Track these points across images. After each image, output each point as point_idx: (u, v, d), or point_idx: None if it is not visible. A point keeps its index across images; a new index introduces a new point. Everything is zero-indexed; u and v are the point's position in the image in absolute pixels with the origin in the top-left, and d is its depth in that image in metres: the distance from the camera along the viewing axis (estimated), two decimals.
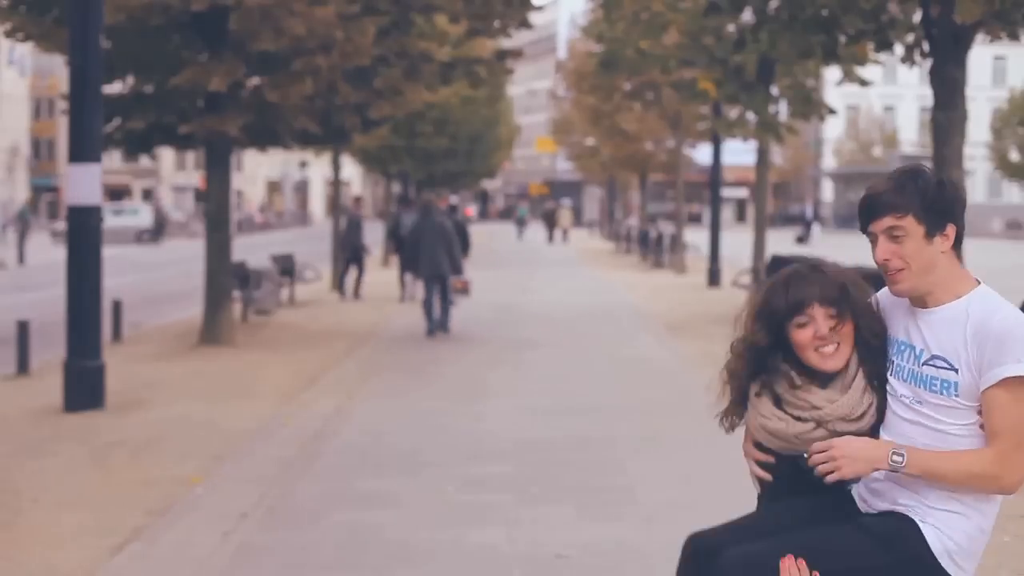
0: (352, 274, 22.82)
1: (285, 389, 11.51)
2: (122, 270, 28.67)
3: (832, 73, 22.88)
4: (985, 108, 62.65)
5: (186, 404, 10.50)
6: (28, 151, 74.80)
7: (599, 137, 43.88)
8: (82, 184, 10.27)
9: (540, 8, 22.30)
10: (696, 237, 37.90)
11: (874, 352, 3.03)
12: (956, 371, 2.82)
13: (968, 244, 10.39)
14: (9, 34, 14.61)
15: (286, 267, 21.35)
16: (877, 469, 2.84)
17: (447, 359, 13.91)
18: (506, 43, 20.36)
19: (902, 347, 2.98)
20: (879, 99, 69.99)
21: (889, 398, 3.00)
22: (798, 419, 3.00)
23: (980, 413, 2.82)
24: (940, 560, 2.84)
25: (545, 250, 46.24)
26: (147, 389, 11.25)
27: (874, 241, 2.93)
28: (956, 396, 2.83)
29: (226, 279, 15.27)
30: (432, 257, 16.30)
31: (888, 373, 3.01)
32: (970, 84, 12.16)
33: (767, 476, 3.09)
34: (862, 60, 16.31)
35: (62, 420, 9.76)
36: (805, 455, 2.94)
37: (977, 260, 14.17)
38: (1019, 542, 6.27)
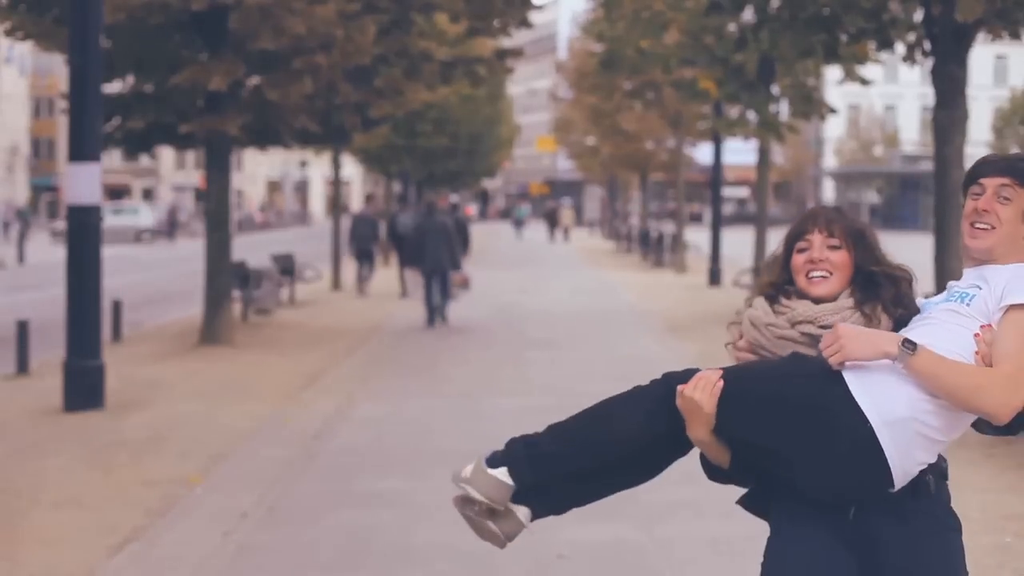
0: (362, 272, 23.69)
1: (285, 389, 11.50)
2: (122, 270, 28.66)
3: (833, 72, 22.88)
4: (986, 107, 62.67)
5: (186, 404, 10.49)
6: (28, 150, 74.82)
7: (599, 136, 43.88)
8: (82, 183, 10.26)
9: (540, 7, 22.31)
10: (696, 236, 37.91)
11: (876, 295, 3.04)
12: (979, 288, 2.88)
13: None
14: (9, 33, 14.60)
15: (286, 266, 21.35)
16: (885, 355, 2.80)
17: (447, 358, 13.90)
18: (506, 42, 20.33)
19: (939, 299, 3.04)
20: (880, 98, 69.96)
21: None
22: (776, 315, 3.04)
23: (981, 330, 2.85)
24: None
25: (546, 249, 46.24)
26: (147, 389, 11.24)
27: (978, 194, 2.98)
28: (968, 304, 2.88)
29: (226, 279, 15.26)
30: (434, 253, 17.40)
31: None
32: (971, 83, 12.14)
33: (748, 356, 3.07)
34: (863, 59, 16.29)
35: (62, 420, 9.75)
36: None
37: None
38: (1020, 542, 6.26)
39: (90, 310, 10.38)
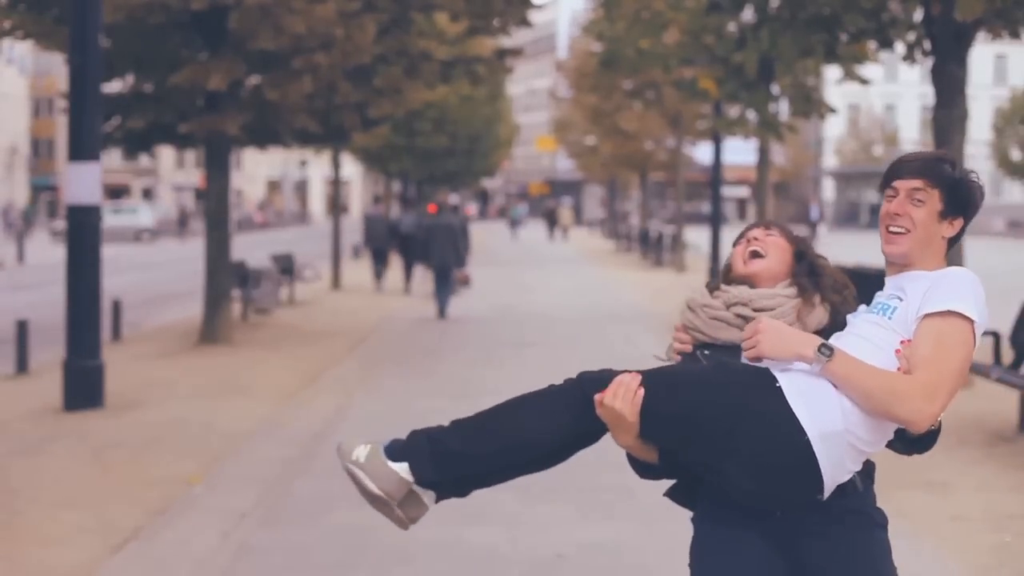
0: (380, 269, 24.97)
1: (285, 388, 11.50)
2: (122, 269, 28.66)
3: (833, 72, 22.86)
4: (986, 107, 62.68)
5: (185, 403, 10.48)
6: (27, 150, 74.81)
7: (599, 136, 43.89)
8: (81, 183, 10.25)
9: (540, 7, 22.29)
10: (696, 236, 37.89)
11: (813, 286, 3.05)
12: (901, 300, 2.87)
13: (969, 243, 10.37)
14: (8, 32, 14.58)
15: (286, 266, 21.35)
16: (800, 358, 2.77)
17: (447, 358, 13.90)
18: (506, 42, 20.34)
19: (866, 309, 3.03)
20: (880, 98, 69.99)
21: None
22: (714, 298, 3.07)
23: (901, 345, 2.83)
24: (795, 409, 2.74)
25: (545, 248, 46.24)
26: (146, 388, 11.23)
27: (891, 197, 2.97)
28: (889, 317, 2.87)
29: (225, 278, 15.25)
30: (441, 251, 18.79)
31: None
32: (971, 83, 12.13)
33: (686, 347, 3.09)
34: (863, 59, 16.28)
35: (61, 420, 9.74)
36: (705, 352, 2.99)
37: (979, 259, 14.10)
38: (1020, 541, 6.26)
39: (90, 310, 10.38)
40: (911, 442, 2.92)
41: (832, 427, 2.73)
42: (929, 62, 12.07)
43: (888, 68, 57.60)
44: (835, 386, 2.75)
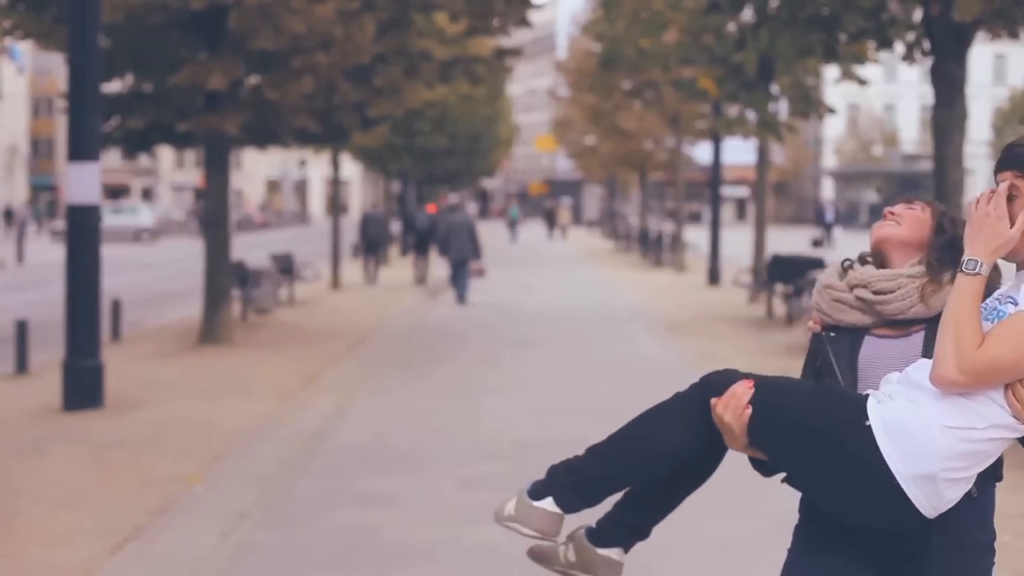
0: (371, 263, 26.78)
1: (284, 388, 11.50)
2: (121, 269, 28.66)
3: (832, 72, 22.87)
4: (986, 106, 62.64)
5: (185, 403, 10.48)
6: (27, 150, 74.77)
7: (599, 136, 43.88)
8: (81, 183, 10.25)
9: (540, 7, 22.31)
10: (696, 236, 37.88)
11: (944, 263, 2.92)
12: (1016, 304, 2.69)
13: None
14: (8, 32, 14.58)
15: (285, 266, 21.35)
16: (967, 250, 2.67)
17: (446, 358, 13.90)
18: (506, 42, 20.35)
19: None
20: (879, 98, 69.97)
21: None
22: (841, 279, 2.99)
23: None
24: (881, 447, 2.68)
25: (544, 248, 46.23)
26: (146, 388, 11.23)
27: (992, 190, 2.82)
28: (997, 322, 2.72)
29: (225, 278, 15.25)
30: (459, 245, 21.07)
31: None
32: (971, 82, 12.13)
33: (816, 326, 3.00)
34: (862, 59, 16.29)
35: (61, 419, 9.74)
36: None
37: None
38: (1020, 541, 6.26)
39: (89, 309, 10.38)
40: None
41: (926, 468, 2.65)
42: (928, 62, 12.07)
43: (887, 68, 57.57)
44: (933, 427, 2.65)
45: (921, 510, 2.67)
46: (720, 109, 23.98)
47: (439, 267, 28.06)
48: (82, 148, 10.28)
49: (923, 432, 2.65)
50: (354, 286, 25.29)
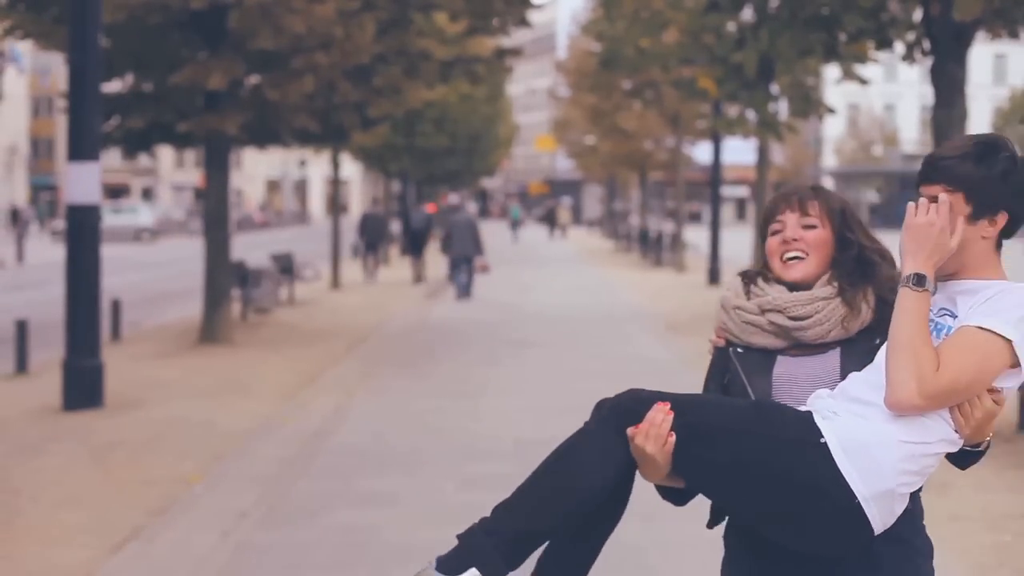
0: (370, 261, 27.47)
1: (284, 388, 11.50)
2: (121, 269, 28.66)
3: (832, 72, 22.87)
4: (986, 106, 62.72)
5: (185, 403, 10.48)
6: (27, 150, 74.76)
7: (599, 136, 43.88)
8: (81, 183, 10.25)
9: (540, 7, 22.32)
10: (696, 236, 37.87)
11: (860, 279, 2.76)
12: (955, 317, 2.61)
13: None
14: (8, 32, 14.59)
15: (285, 266, 21.36)
16: (906, 263, 2.58)
17: (446, 358, 13.90)
18: (506, 41, 20.35)
19: None
20: (879, 97, 70.00)
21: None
22: (750, 297, 2.77)
23: None
24: (832, 451, 2.52)
25: (545, 247, 46.25)
26: (146, 388, 11.23)
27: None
28: (943, 339, 2.60)
29: (225, 278, 15.25)
30: (461, 243, 21.90)
31: None
32: (971, 82, 12.13)
33: (720, 341, 2.83)
34: (862, 58, 16.28)
35: (61, 419, 9.74)
36: (740, 348, 2.75)
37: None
38: (1020, 541, 6.26)
39: (89, 309, 10.37)
40: (959, 457, 2.70)
41: (884, 484, 2.54)
42: (928, 62, 12.07)
43: (888, 68, 57.60)
44: (889, 438, 2.53)
45: (875, 528, 2.55)
46: (720, 109, 23.99)
47: (439, 267, 28.44)
48: (82, 148, 10.29)
49: (881, 448, 2.53)
50: (354, 286, 25.29)
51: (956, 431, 2.57)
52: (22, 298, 21.64)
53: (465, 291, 21.82)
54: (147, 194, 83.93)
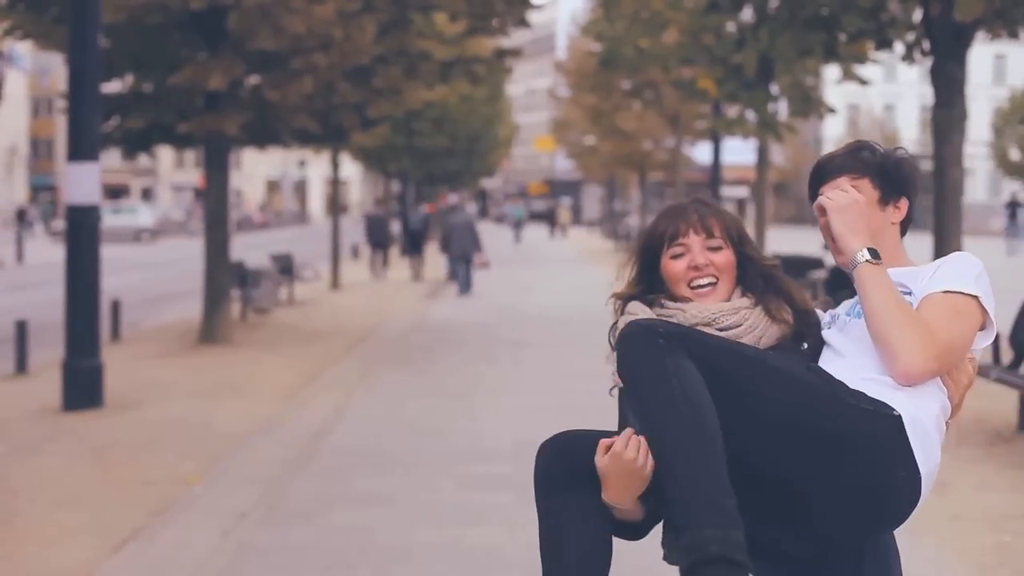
0: (378, 261, 28.67)
1: (284, 388, 11.49)
2: (121, 269, 28.66)
3: (832, 72, 22.88)
4: (986, 107, 62.70)
5: (185, 403, 10.48)
6: (27, 150, 74.75)
7: (598, 136, 43.89)
8: (81, 183, 10.25)
9: (539, 7, 22.33)
10: None
11: (768, 290, 2.70)
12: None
13: (968, 242, 10.41)
14: (8, 32, 14.58)
15: (285, 266, 21.35)
16: (845, 251, 2.57)
17: (446, 358, 13.90)
18: (505, 42, 20.35)
19: (846, 310, 2.72)
20: (879, 98, 70.00)
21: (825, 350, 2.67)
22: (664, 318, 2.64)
23: None
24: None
25: (545, 247, 46.25)
26: (146, 388, 11.23)
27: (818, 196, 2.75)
28: None
29: (225, 278, 15.25)
30: (462, 242, 23.07)
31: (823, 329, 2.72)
32: (970, 82, 12.14)
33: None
34: (862, 59, 16.29)
35: (61, 419, 9.74)
36: None
37: (990, 260, 14.12)
38: (1020, 541, 6.26)
39: (89, 310, 10.37)
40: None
41: (934, 460, 2.50)
42: (928, 62, 12.07)
43: (887, 68, 57.59)
44: (941, 415, 2.52)
45: (918, 506, 2.49)
46: (720, 109, 23.98)
47: (438, 266, 28.62)
48: (82, 148, 10.28)
49: (930, 422, 2.51)
50: (354, 286, 25.30)
51: (949, 398, 2.59)
52: (22, 298, 21.64)
53: (466, 287, 22.80)
54: (147, 194, 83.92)
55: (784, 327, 2.68)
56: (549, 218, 61.72)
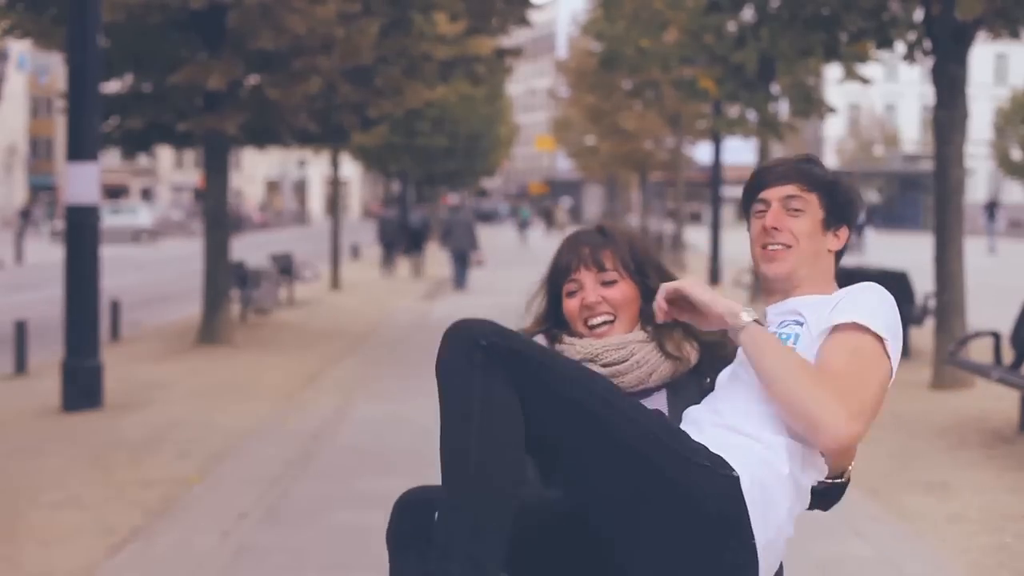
0: (389, 259, 30.50)
1: (284, 389, 11.48)
2: (120, 270, 28.64)
3: (833, 71, 22.87)
4: (987, 106, 62.67)
5: (185, 404, 10.47)
6: (26, 150, 74.75)
7: (599, 136, 43.88)
8: (80, 183, 10.24)
9: (539, 7, 22.34)
10: (696, 236, 37.81)
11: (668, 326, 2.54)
12: (801, 324, 2.40)
13: (968, 243, 10.40)
14: (7, 32, 14.58)
15: (285, 266, 21.34)
16: (724, 315, 2.34)
17: None
18: (505, 42, 20.35)
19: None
20: (880, 97, 69.98)
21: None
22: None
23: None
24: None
25: (545, 246, 46.20)
26: (146, 389, 11.22)
27: (761, 212, 2.53)
28: (793, 346, 2.38)
29: (224, 278, 15.24)
30: (459, 240, 24.53)
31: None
32: (972, 82, 12.12)
33: None
34: (863, 58, 16.27)
35: (60, 420, 9.73)
36: None
37: (977, 260, 14.14)
38: (1020, 542, 6.24)
39: (88, 310, 10.36)
40: (818, 495, 2.41)
41: (779, 531, 2.27)
42: (929, 62, 12.06)
43: (888, 68, 57.58)
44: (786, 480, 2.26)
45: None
46: (720, 109, 23.98)
47: (438, 265, 29.00)
48: (81, 148, 10.27)
49: (778, 488, 2.27)
50: (354, 286, 25.30)
51: (823, 456, 2.35)
52: (21, 298, 21.62)
53: (461, 282, 24.38)
54: (146, 194, 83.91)
55: (678, 364, 2.52)
56: (547, 216, 64.07)
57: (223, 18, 14.20)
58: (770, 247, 2.49)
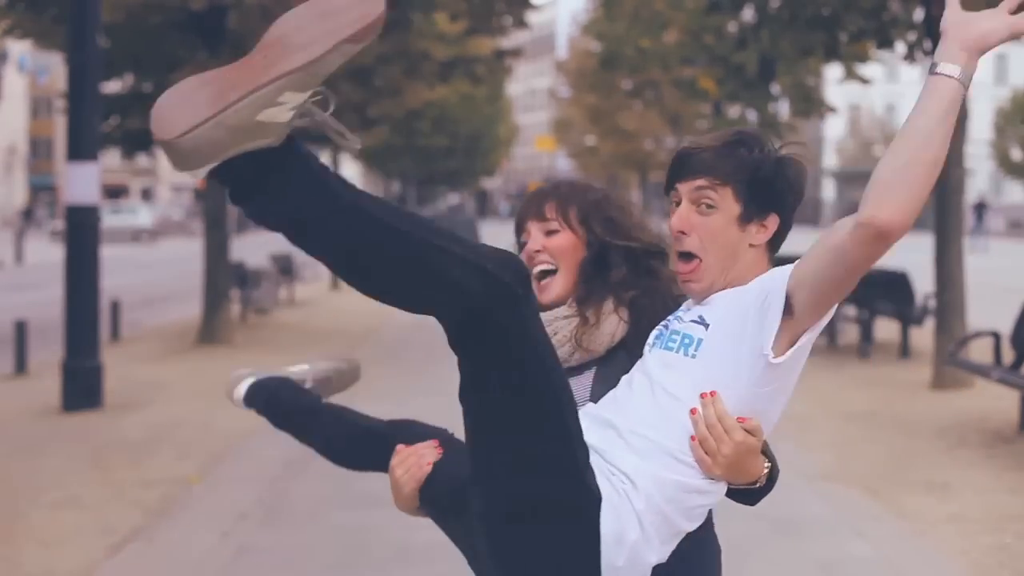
0: None
1: None
2: (120, 270, 28.65)
3: (833, 71, 22.87)
4: (987, 107, 62.69)
5: (184, 404, 10.47)
6: (26, 150, 74.78)
7: (599, 136, 43.92)
8: (80, 183, 10.24)
9: (539, 7, 22.35)
10: None
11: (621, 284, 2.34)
12: (707, 326, 2.11)
13: (968, 242, 10.28)
14: (7, 32, 14.58)
15: (285, 266, 21.35)
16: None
17: (447, 358, 13.83)
18: (505, 42, 20.36)
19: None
20: (881, 97, 69.98)
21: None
22: None
23: (703, 398, 2.06)
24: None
25: None
26: (145, 389, 11.22)
27: (675, 205, 2.22)
28: (692, 356, 2.11)
29: (224, 278, 15.24)
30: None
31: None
32: (972, 82, 12.12)
33: None
34: (863, 58, 16.29)
35: (60, 420, 9.73)
36: None
37: (977, 260, 14.16)
38: (1020, 542, 6.24)
39: (88, 310, 10.36)
40: (739, 493, 2.23)
41: (648, 556, 2.06)
42: (930, 62, 12.06)
43: (889, 68, 57.60)
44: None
45: None
46: (720, 109, 23.99)
47: None
48: (81, 148, 10.27)
49: (652, 517, 2.07)
50: None
51: (708, 478, 2.09)
52: (21, 298, 21.63)
53: None
54: (146, 194, 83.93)
55: (604, 339, 2.30)
56: None
57: (223, 19, 14.20)
58: (682, 272, 2.19)
